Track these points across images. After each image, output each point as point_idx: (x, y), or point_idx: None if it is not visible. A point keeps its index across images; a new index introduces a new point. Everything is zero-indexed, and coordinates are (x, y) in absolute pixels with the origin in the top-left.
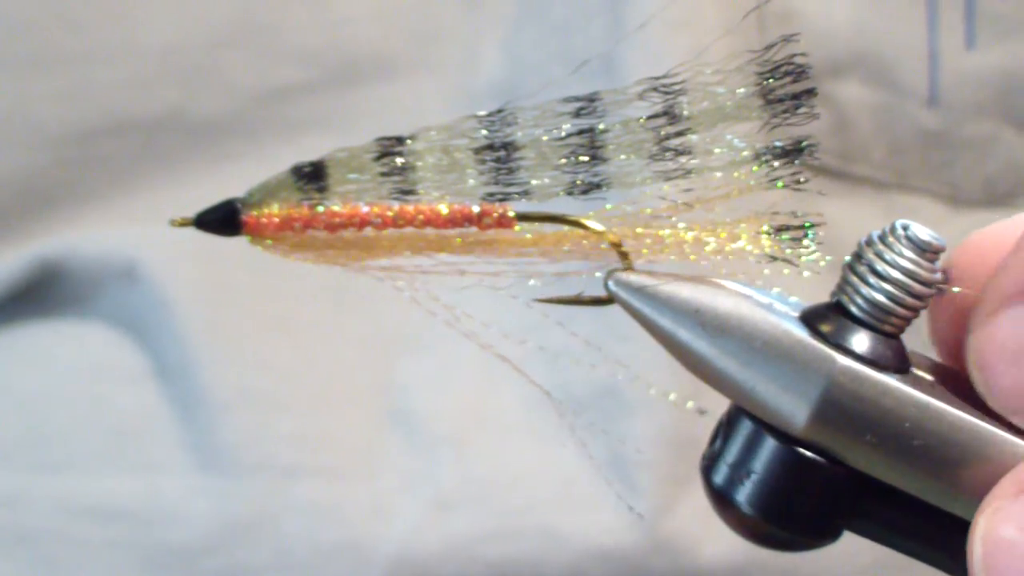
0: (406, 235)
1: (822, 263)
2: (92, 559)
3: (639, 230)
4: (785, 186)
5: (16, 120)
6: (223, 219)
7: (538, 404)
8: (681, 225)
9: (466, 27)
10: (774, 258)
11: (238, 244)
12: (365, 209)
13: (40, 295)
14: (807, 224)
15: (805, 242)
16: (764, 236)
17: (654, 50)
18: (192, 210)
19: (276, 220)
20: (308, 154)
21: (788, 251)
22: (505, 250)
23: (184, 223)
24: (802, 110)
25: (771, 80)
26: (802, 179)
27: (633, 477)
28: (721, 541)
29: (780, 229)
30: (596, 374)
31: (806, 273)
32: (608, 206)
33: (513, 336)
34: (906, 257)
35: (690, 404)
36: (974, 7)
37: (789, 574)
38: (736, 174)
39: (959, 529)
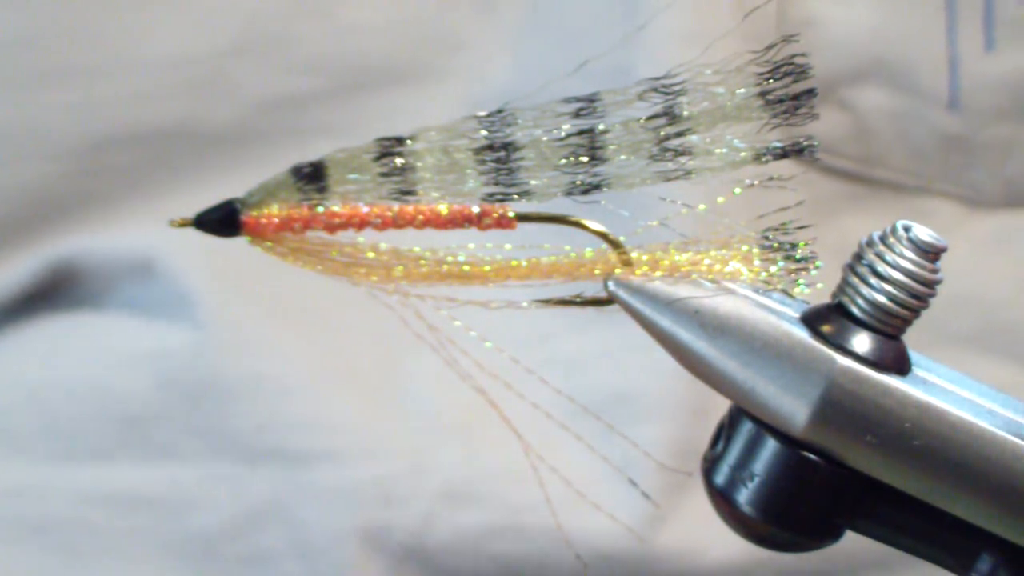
0: (404, 259)
1: (818, 284)
2: (111, 547)
3: (635, 254)
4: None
5: (25, 133)
6: (223, 220)
7: (549, 406)
8: (678, 241)
9: (477, 35)
10: (768, 284)
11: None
12: (365, 209)
13: (56, 293)
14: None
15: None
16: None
17: (665, 59)
18: None
19: (276, 220)
20: None
21: (780, 273)
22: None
23: (184, 224)
24: (802, 110)
25: (771, 80)
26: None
27: (641, 480)
28: (726, 545)
29: (776, 250)
30: (607, 380)
31: (804, 285)
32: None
33: (526, 342)
34: (907, 258)
35: None
36: (993, 11)
37: (793, 574)
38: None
39: (960, 528)
